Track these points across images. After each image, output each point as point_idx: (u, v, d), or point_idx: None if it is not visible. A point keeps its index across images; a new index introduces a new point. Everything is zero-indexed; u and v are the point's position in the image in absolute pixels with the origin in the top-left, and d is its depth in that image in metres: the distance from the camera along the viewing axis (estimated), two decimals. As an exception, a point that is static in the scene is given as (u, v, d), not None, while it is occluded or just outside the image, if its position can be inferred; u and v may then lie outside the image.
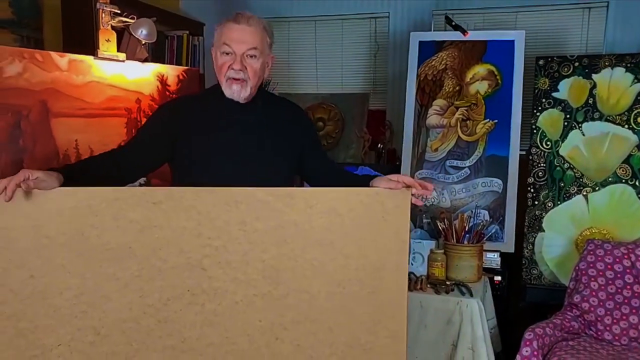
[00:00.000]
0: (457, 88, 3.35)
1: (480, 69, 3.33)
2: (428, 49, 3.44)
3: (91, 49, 2.55)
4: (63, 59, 2.31)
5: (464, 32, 3.34)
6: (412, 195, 1.64)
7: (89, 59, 2.39)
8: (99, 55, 2.41)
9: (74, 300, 1.52)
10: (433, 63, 3.41)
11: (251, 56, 1.77)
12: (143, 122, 2.55)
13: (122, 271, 1.53)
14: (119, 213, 1.53)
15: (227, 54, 1.77)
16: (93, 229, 1.52)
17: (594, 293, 2.67)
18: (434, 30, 3.82)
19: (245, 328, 1.60)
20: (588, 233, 3.07)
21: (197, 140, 1.81)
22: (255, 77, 1.80)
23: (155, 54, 3.49)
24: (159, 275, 1.55)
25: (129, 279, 1.54)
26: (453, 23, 3.38)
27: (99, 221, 1.52)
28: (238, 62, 1.76)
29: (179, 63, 3.72)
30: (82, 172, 1.67)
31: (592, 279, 2.70)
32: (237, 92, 1.79)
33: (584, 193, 3.11)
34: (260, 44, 1.78)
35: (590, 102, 3.15)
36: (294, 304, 1.63)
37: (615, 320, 2.61)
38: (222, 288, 1.58)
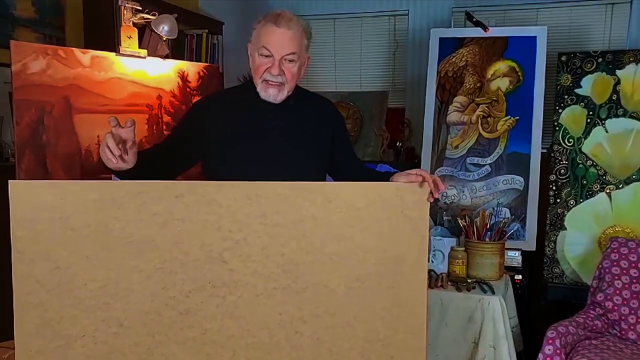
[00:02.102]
0: (478, 85, 3.33)
1: (502, 66, 3.30)
2: (448, 46, 3.43)
3: (112, 46, 2.57)
4: (86, 56, 2.34)
5: (485, 28, 3.32)
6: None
7: (111, 55, 2.41)
8: (120, 52, 2.44)
9: (98, 292, 1.53)
10: (453, 60, 3.39)
11: (290, 60, 1.75)
12: (164, 118, 2.59)
13: (144, 263, 1.54)
14: (142, 206, 1.54)
15: (266, 56, 1.74)
16: (117, 222, 1.53)
17: (617, 292, 2.63)
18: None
19: (266, 321, 1.60)
20: (611, 231, 3.03)
21: (227, 140, 1.81)
22: (292, 80, 1.78)
23: (175, 52, 3.52)
24: (180, 267, 1.56)
25: (151, 271, 1.55)
26: (474, 19, 3.35)
27: (123, 214, 1.53)
28: (276, 66, 1.73)
29: (198, 62, 3.74)
30: (148, 160, 1.68)
31: (616, 278, 2.66)
32: (274, 96, 1.78)
33: (607, 191, 3.07)
34: (299, 48, 1.75)
35: (613, 98, 3.11)
36: (313, 297, 1.62)
37: (639, 320, 2.57)
38: (243, 281, 1.59)
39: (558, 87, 3.24)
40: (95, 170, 2.37)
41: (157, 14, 2.62)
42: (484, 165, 3.25)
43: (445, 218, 3.19)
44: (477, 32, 3.36)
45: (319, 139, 1.90)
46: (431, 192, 1.64)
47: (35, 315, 1.52)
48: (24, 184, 1.55)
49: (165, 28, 2.62)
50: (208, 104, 1.92)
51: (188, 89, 2.72)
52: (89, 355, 1.55)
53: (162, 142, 1.92)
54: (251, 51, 1.80)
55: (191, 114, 1.90)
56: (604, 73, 3.15)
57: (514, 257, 2.99)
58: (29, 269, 1.51)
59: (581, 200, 3.12)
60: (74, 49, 2.33)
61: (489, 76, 3.32)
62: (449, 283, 2.70)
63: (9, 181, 1.48)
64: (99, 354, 1.56)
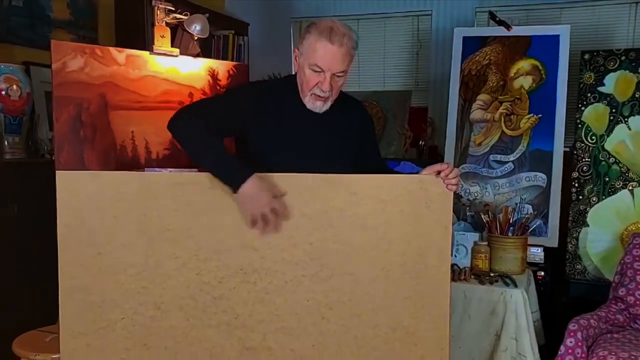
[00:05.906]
0: (501, 83, 3.36)
1: (525, 64, 3.33)
2: (472, 45, 3.46)
3: (142, 46, 2.67)
4: (121, 54, 2.43)
5: (508, 27, 3.35)
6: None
7: (145, 54, 2.50)
8: (154, 51, 2.53)
9: (137, 277, 1.62)
10: (477, 58, 3.43)
11: (339, 76, 1.81)
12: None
13: (181, 250, 1.63)
14: (178, 197, 1.62)
15: (317, 72, 1.78)
16: (155, 211, 1.62)
17: (639, 286, 2.65)
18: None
19: (294, 307, 1.68)
20: (634, 228, 3.04)
21: (264, 134, 1.85)
22: (337, 92, 1.85)
23: (202, 53, 3.60)
24: (214, 255, 1.64)
25: (187, 258, 1.64)
26: (497, 19, 3.38)
27: (160, 204, 1.62)
28: (327, 83, 1.78)
29: (225, 61, 3.83)
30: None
31: (638, 273, 2.68)
32: (320, 108, 1.83)
33: (630, 188, 3.09)
34: (348, 64, 1.82)
35: (637, 96, 3.12)
36: (339, 285, 1.69)
37: (661, 315, 2.59)
38: (272, 268, 1.66)
39: (581, 85, 3.26)
40: (130, 165, 2.46)
41: (188, 14, 2.72)
42: (507, 162, 3.28)
43: (468, 214, 3.22)
44: (501, 31, 3.39)
45: (347, 145, 1.94)
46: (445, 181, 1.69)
47: (79, 299, 1.62)
48: (71, 175, 1.65)
49: (197, 27, 2.71)
50: (254, 90, 1.93)
51: (218, 87, 2.80)
52: (128, 337, 1.65)
53: (211, 107, 1.88)
54: (301, 62, 1.82)
55: (239, 93, 1.93)
56: (627, 71, 3.17)
57: (536, 254, 3.02)
58: (73, 255, 1.61)
59: (603, 197, 3.14)
60: (110, 48, 2.43)
61: (512, 74, 3.35)
62: (472, 276, 2.73)
63: (57, 171, 1.59)
64: (137, 336, 1.65)
